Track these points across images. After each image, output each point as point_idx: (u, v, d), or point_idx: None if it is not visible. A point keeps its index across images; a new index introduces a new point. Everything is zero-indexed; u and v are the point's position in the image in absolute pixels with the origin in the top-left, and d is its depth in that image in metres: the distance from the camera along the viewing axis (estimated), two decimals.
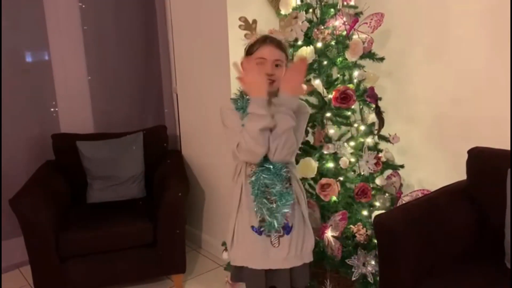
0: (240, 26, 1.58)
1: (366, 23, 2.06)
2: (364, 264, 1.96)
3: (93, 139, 2.73)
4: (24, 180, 2.42)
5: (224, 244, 2.32)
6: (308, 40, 2.04)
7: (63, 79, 2.86)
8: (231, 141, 1.54)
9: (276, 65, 1.52)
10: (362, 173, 2.05)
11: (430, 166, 2.33)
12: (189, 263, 2.51)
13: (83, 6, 2.87)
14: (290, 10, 2.07)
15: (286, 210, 1.53)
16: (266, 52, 1.51)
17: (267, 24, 1.59)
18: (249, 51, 1.56)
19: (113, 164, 2.65)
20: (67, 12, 2.81)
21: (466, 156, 1.93)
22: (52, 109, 2.87)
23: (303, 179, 2.02)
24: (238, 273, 1.69)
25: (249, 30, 1.57)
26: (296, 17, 1.89)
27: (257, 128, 1.44)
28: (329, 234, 1.95)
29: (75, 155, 2.66)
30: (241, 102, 1.56)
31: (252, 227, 1.59)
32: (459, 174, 1.97)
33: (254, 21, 1.57)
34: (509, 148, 1.84)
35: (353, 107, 2.03)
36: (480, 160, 1.91)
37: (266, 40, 1.53)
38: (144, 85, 3.19)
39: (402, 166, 2.22)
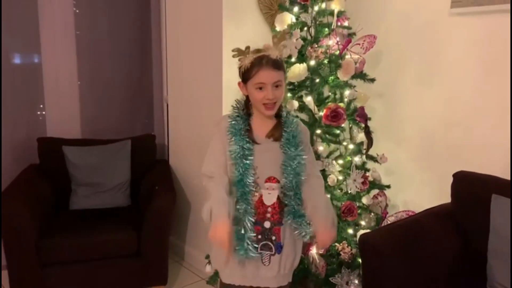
0: (233, 56, 1.53)
1: (359, 44, 2.09)
2: (347, 283, 1.96)
3: (80, 145, 2.71)
4: (7, 183, 2.37)
5: (207, 257, 2.30)
6: (302, 57, 2.06)
7: (52, 83, 2.83)
8: (205, 162, 1.55)
9: (276, 86, 1.48)
10: (349, 192, 2.07)
11: (416, 187, 2.35)
12: (171, 275, 2.48)
13: (77, 11, 2.87)
14: (285, 27, 2.09)
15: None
16: (264, 76, 1.46)
17: (262, 40, 1.58)
18: (247, 74, 1.50)
19: (99, 171, 2.62)
20: (61, 16, 2.80)
21: (451, 179, 1.96)
22: (39, 112, 2.85)
23: None
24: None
25: (242, 55, 1.52)
26: (288, 33, 1.86)
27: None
28: (314, 251, 1.95)
29: (61, 160, 2.63)
30: (239, 123, 1.52)
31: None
32: (444, 197, 1.99)
33: (247, 47, 1.52)
34: (494, 174, 1.87)
35: (343, 125, 2.06)
36: (465, 184, 1.93)
37: (262, 62, 1.47)
38: (134, 93, 3.18)
39: (388, 186, 2.24)
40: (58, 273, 2.20)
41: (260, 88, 1.47)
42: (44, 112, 2.85)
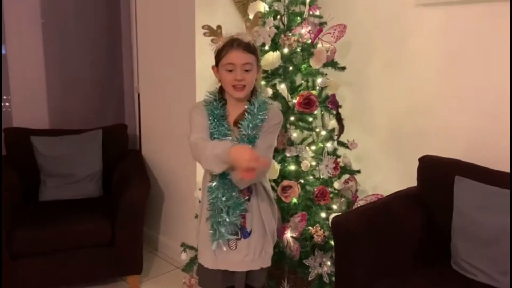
0: (204, 34, 1.55)
1: (330, 33, 2.14)
2: (320, 265, 2.02)
3: (49, 135, 2.65)
4: None
5: (183, 245, 2.31)
6: (275, 46, 2.09)
7: (18, 73, 2.75)
8: (192, 132, 1.54)
9: (246, 70, 1.51)
10: (322, 177, 2.12)
11: (384, 172, 2.44)
12: (145, 264, 2.47)
13: None
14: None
15: (235, 220, 1.56)
16: (233, 57, 1.49)
17: (235, 29, 1.60)
18: (218, 56, 1.54)
19: (69, 162, 2.58)
20: (25, 5, 2.71)
21: (417, 164, 2.05)
22: (2, 104, 2.76)
23: None
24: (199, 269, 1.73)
25: (214, 35, 1.54)
26: (261, 17, 1.84)
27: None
28: (288, 234, 2.00)
29: (29, 151, 2.57)
30: (214, 107, 1.56)
31: None
32: (410, 181, 2.08)
33: (219, 27, 1.54)
34: (457, 157, 1.97)
35: (315, 112, 2.11)
36: (430, 167, 2.03)
37: (233, 44, 1.50)
38: (104, 83, 3.13)
39: (358, 172, 2.31)
40: (30, 264, 2.16)
41: (230, 71, 1.50)
42: (7, 103, 2.77)
